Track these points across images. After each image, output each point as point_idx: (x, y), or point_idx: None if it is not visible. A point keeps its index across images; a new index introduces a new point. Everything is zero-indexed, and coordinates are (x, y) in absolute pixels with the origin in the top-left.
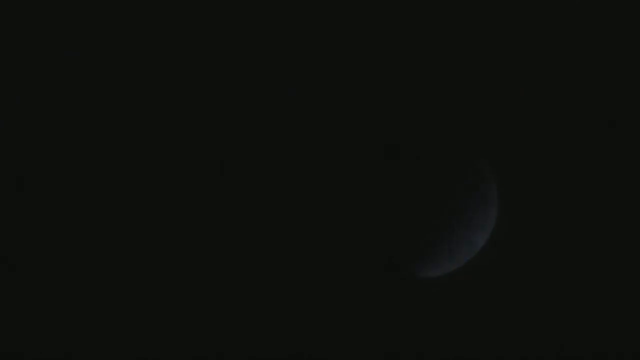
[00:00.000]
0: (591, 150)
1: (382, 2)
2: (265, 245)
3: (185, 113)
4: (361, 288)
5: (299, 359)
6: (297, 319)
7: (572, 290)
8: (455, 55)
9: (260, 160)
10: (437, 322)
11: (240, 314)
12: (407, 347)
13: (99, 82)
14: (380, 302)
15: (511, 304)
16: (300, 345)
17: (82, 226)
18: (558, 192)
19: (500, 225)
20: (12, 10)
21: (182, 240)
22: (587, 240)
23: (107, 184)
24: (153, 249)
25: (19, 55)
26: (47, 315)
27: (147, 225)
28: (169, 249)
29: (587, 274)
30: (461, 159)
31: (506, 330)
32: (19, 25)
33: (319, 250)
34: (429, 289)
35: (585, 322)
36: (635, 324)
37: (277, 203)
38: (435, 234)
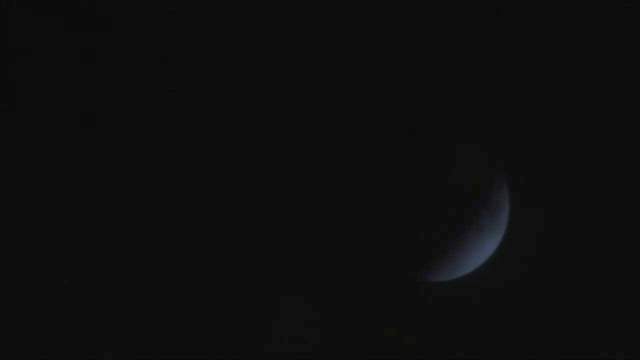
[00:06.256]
0: (603, 156)
1: (395, 7)
2: (268, 245)
3: (188, 113)
4: (369, 292)
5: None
6: (303, 321)
7: (582, 296)
8: (471, 61)
9: (260, 160)
10: (447, 327)
11: (239, 314)
12: (415, 352)
13: (99, 82)
14: (389, 307)
15: (521, 309)
16: (303, 346)
17: (80, 225)
18: (569, 198)
19: (510, 230)
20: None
21: (181, 240)
22: (599, 246)
23: (105, 184)
24: (156, 249)
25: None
26: (47, 315)
27: (149, 224)
28: (170, 249)
29: (599, 279)
30: (473, 164)
31: (516, 336)
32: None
33: (327, 253)
34: (439, 294)
35: (596, 328)
36: None
37: (280, 203)
38: (446, 239)
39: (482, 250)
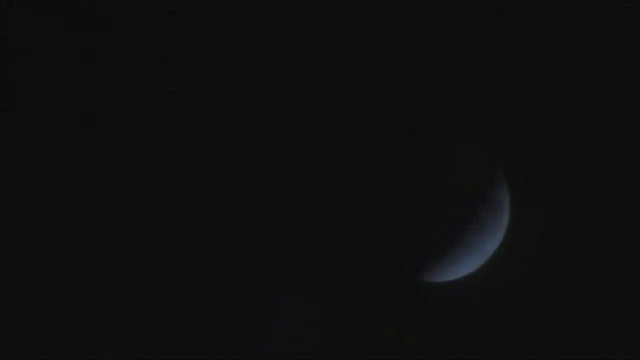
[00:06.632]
0: (603, 156)
1: (395, 7)
2: (268, 245)
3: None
4: (369, 292)
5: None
6: (304, 321)
7: (583, 296)
8: (471, 61)
9: (260, 160)
10: (447, 327)
11: (239, 314)
12: (415, 352)
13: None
14: (389, 307)
15: (522, 309)
16: (303, 346)
17: (80, 225)
18: (569, 198)
19: (511, 231)
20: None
21: (181, 240)
22: (599, 246)
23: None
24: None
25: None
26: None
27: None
28: (170, 249)
29: (599, 279)
30: (473, 164)
31: (516, 336)
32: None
33: (327, 253)
34: (439, 294)
35: (596, 328)
36: None
37: (281, 203)
38: (446, 239)
39: (482, 250)
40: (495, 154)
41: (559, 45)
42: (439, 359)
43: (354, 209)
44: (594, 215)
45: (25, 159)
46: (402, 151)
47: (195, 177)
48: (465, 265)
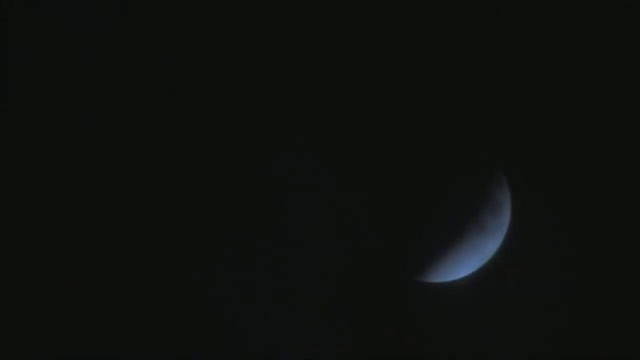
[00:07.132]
0: (603, 156)
1: (395, 7)
2: (267, 244)
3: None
4: (369, 292)
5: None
6: (304, 321)
7: (584, 296)
8: (471, 61)
9: (260, 161)
10: (448, 328)
11: (237, 313)
12: (415, 352)
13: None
14: (389, 307)
15: (522, 310)
16: (307, 347)
17: (80, 226)
18: (570, 199)
19: (511, 231)
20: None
21: (181, 240)
22: (600, 247)
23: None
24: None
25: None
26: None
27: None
28: (170, 250)
29: (600, 280)
30: (475, 166)
31: (517, 337)
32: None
33: (327, 253)
34: (439, 295)
35: (596, 328)
36: None
37: (280, 203)
38: (447, 240)
39: (482, 250)
40: (495, 154)
41: (559, 46)
42: (439, 359)
43: (354, 209)
44: (594, 215)
45: (25, 159)
46: (402, 151)
47: (196, 177)
48: (465, 265)
